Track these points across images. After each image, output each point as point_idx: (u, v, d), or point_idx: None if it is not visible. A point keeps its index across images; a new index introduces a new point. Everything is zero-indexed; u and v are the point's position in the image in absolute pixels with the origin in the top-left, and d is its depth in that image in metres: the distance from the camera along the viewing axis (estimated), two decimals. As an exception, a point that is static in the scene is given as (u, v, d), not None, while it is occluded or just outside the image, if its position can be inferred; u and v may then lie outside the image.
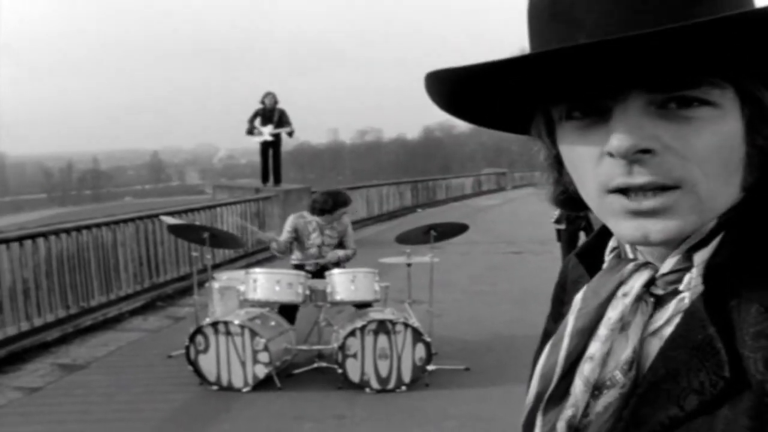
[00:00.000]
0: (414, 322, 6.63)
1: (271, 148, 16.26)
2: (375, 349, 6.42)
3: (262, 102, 15.92)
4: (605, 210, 0.85)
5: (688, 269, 0.85)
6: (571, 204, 0.98)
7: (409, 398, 6.29)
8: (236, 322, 6.39)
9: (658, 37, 0.70)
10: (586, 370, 0.87)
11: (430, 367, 6.53)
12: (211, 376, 6.45)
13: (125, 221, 10.34)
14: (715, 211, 0.82)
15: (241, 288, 6.84)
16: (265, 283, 6.73)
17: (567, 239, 9.26)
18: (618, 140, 0.77)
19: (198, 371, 6.47)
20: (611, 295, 0.88)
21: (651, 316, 0.87)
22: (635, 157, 0.78)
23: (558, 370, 0.89)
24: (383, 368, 6.43)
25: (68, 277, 9.01)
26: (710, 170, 0.79)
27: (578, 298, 0.93)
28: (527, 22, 0.88)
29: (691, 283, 0.84)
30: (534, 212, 26.33)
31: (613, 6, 0.78)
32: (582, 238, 9.25)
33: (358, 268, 7.09)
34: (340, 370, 6.41)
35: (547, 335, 1.10)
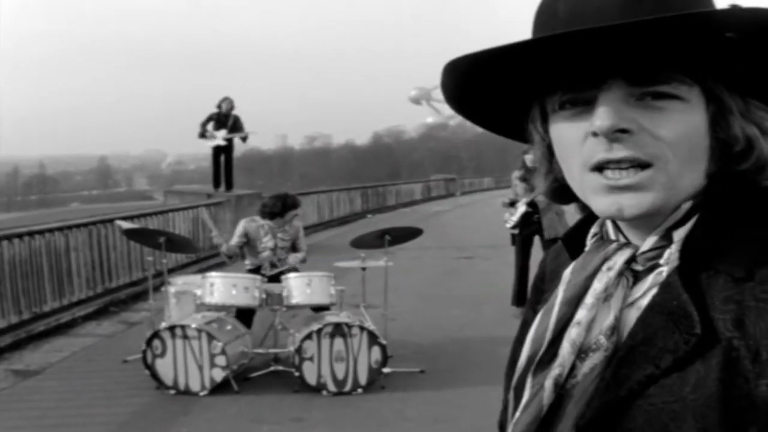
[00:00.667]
0: (369, 325, 6.70)
1: (224, 153, 16.22)
2: (331, 352, 6.48)
3: (218, 106, 15.87)
4: (586, 187, 0.97)
5: (667, 246, 0.97)
6: (561, 194, 1.11)
7: (366, 400, 6.36)
8: (193, 325, 6.41)
9: (621, 28, 0.84)
10: (573, 333, 0.98)
11: (385, 370, 6.61)
12: (168, 380, 6.45)
13: (78, 226, 10.23)
14: (683, 191, 0.95)
15: (198, 292, 6.85)
16: (221, 287, 6.76)
17: (521, 243, 9.40)
18: (600, 120, 0.90)
19: (155, 375, 6.47)
20: (596, 270, 1.00)
21: (630, 289, 0.99)
22: (615, 135, 0.91)
23: (548, 335, 1.00)
24: (339, 371, 6.49)
25: (20, 283, 8.91)
26: (679, 152, 0.92)
27: (567, 272, 1.05)
28: (533, 29, 1.01)
29: (670, 258, 0.96)
30: (483, 218, 26.59)
31: (598, 10, 0.91)
32: (536, 242, 9.40)
33: (314, 272, 7.15)
34: (296, 373, 6.46)
35: (525, 324, 1.21)
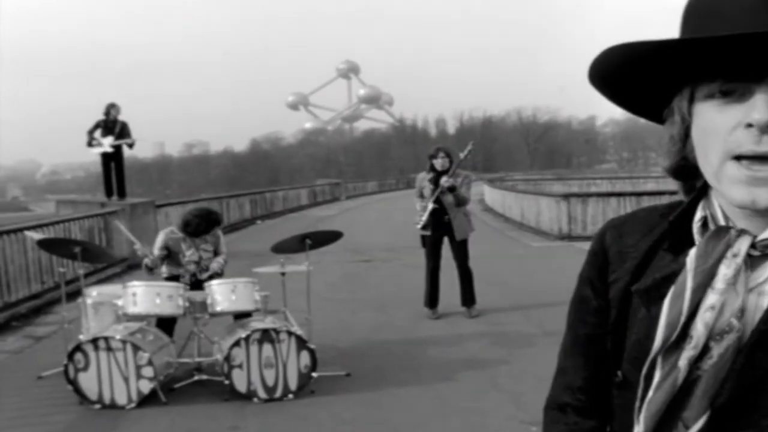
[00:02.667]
0: (296, 329, 6.66)
1: (113, 161, 15.82)
2: (260, 359, 6.39)
3: (106, 113, 15.48)
4: (722, 175, 1.03)
5: None
6: (684, 173, 1.18)
7: (298, 406, 6.30)
8: (117, 337, 6.21)
9: None
10: (707, 317, 1.04)
11: (314, 374, 6.56)
12: (93, 395, 6.22)
13: (-28, 239, 9.78)
14: None
15: (119, 302, 6.64)
16: (144, 297, 6.57)
17: (432, 244, 9.49)
18: (760, 113, 0.97)
19: (78, 390, 6.22)
20: (721, 256, 1.06)
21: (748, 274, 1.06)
22: None
23: (683, 319, 1.06)
24: (269, 377, 6.41)
25: None
26: None
27: (690, 259, 1.10)
28: (683, 20, 1.07)
29: None
30: (373, 221, 26.81)
31: (762, 8, 0.96)
32: (445, 242, 9.51)
33: (238, 278, 7.05)
34: (226, 381, 6.35)
35: (582, 299, 1.33)
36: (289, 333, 6.49)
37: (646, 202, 15.58)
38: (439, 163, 9.31)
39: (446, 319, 9.53)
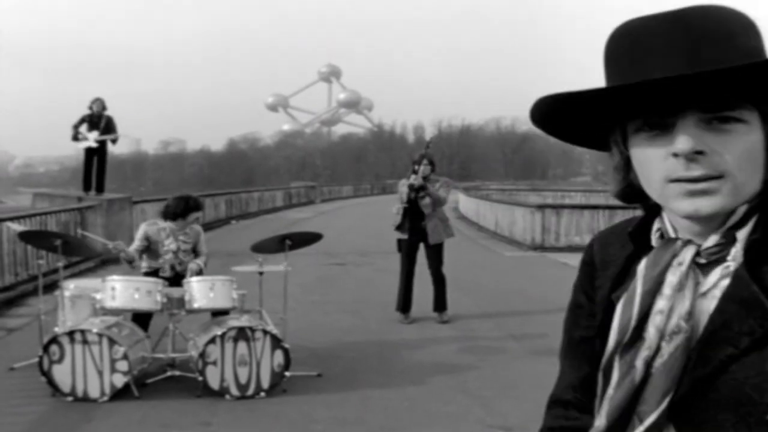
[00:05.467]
0: (272, 328, 6.73)
1: (96, 155, 15.84)
2: (235, 356, 6.47)
3: (90, 108, 15.52)
4: (667, 194, 1.16)
5: (730, 243, 1.16)
6: (631, 197, 1.32)
7: (270, 404, 6.38)
8: (94, 330, 6.25)
9: (704, 75, 1.04)
10: (657, 320, 1.17)
11: (287, 374, 6.64)
12: (66, 387, 6.26)
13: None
14: (745, 196, 1.14)
15: (98, 296, 6.70)
16: (123, 291, 6.62)
17: (408, 248, 9.59)
18: (682, 143, 1.10)
19: (51, 382, 6.25)
20: (668, 265, 1.19)
21: (697, 282, 1.18)
22: (692, 156, 1.10)
23: (633, 323, 1.19)
24: (243, 375, 6.49)
25: None
26: (742, 167, 1.11)
27: (641, 268, 1.23)
28: (605, 63, 1.22)
29: (736, 255, 1.15)
30: (347, 225, 26.86)
31: (675, 55, 1.11)
32: (421, 248, 9.63)
33: (217, 275, 7.12)
34: (200, 378, 6.41)
35: (577, 305, 1.46)
36: (265, 332, 6.57)
37: (620, 215, 15.77)
38: (421, 170, 9.44)
39: (418, 324, 9.64)
